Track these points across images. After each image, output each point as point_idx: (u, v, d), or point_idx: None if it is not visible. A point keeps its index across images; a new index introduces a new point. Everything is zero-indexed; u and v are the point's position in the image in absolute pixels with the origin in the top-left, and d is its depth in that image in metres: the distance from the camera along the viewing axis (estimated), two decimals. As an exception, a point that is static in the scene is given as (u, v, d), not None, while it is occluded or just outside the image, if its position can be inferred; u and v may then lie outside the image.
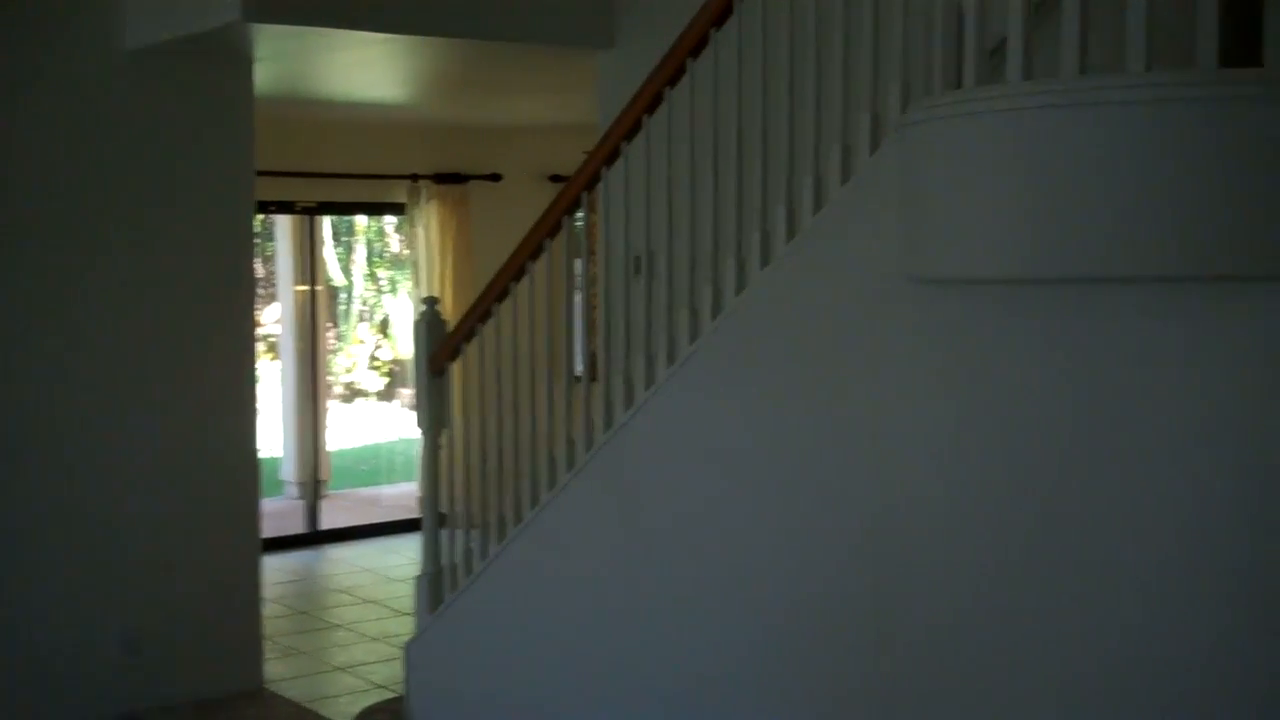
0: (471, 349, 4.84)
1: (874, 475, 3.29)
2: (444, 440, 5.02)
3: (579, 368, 4.81)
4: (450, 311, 8.19)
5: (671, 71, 3.88)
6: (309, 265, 9.41)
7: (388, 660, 6.25)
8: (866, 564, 3.32)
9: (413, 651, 5.04)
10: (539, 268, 4.50)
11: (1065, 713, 2.92)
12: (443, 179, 8.90)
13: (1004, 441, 3.00)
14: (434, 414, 4.93)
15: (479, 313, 4.72)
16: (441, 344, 4.89)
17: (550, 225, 4.39)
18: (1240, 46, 2.70)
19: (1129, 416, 2.78)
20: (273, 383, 9.90)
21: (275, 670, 6.12)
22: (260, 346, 8.18)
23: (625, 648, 4.08)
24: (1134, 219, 2.57)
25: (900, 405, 3.21)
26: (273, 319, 11.18)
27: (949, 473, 3.11)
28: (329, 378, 10.94)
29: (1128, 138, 2.56)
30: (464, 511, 5.00)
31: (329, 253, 14.45)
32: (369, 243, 15.86)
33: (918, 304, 3.14)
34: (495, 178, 9.05)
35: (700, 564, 3.80)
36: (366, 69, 6.24)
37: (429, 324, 4.93)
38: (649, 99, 3.96)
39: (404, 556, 8.41)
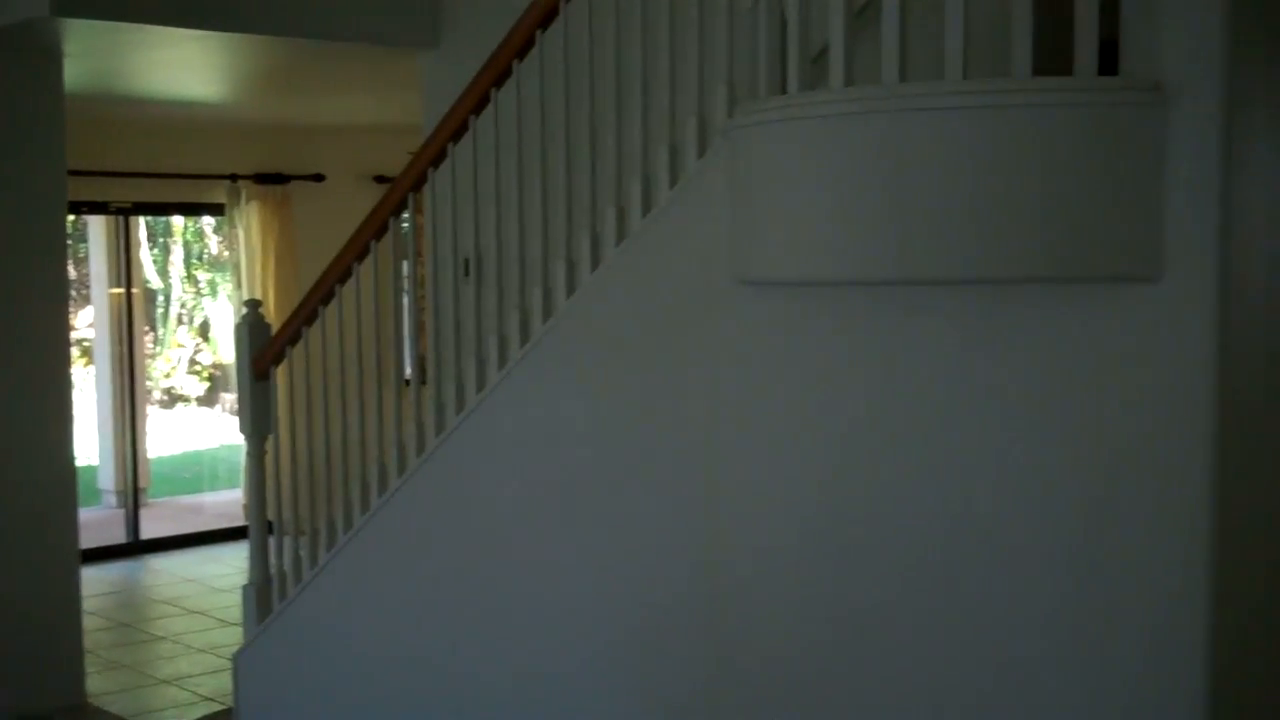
0: (297, 353, 4.75)
1: (708, 477, 3.32)
2: (269, 446, 4.92)
3: (408, 371, 4.76)
4: (274, 315, 8.04)
5: (498, 73, 3.87)
6: (124, 267, 9.15)
7: (215, 672, 6.12)
8: (701, 564, 3.35)
9: (241, 663, 4.93)
10: (365, 270, 4.44)
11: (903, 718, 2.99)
12: (264, 179, 8.73)
13: (834, 441, 3.06)
14: (258, 419, 4.83)
15: (304, 315, 4.64)
16: (265, 348, 4.79)
17: (377, 227, 4.34)
18: (1053, 56, 2.80)
19: (956, 416, 2.86)
20: (88, 389, 9.60)
21: (98, 685, 5.95)
22: (74, 351, 7.92)
23: (458, 657, 4.05)
24: (952, 223, 2.64)
25: (732, 407, 3.25)
26: (86, 323, 10.84)
27: (782, 473, 3.16)
28: (147, 383, 10.64)
29: (945, 144, 2.63)
30: (292, 518, 4.91)
31: (145, 255, 14.07)
32: (187, 244, 15.48)
33: (747, 306, 3.18)
34: (318, 178, 8.91)
35: (533, 573, 3.79)
36: (182, 67, 6.09)
37: (251, 327, 4.82)
38: (475, 100, 3.94)
39: (229, 565, 8.23)
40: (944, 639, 2.90)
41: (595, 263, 3.63)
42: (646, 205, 3.50)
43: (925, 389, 2.89)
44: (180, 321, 15.47)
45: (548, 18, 3.72)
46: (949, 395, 2.86)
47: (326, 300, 4.56)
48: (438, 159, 4.10)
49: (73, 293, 7.08)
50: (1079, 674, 2.72)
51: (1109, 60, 2.61)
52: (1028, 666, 2.79)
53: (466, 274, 4.22)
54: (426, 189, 4.18)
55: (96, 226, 9.28)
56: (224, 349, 14.43)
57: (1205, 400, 2.55)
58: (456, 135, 4.02)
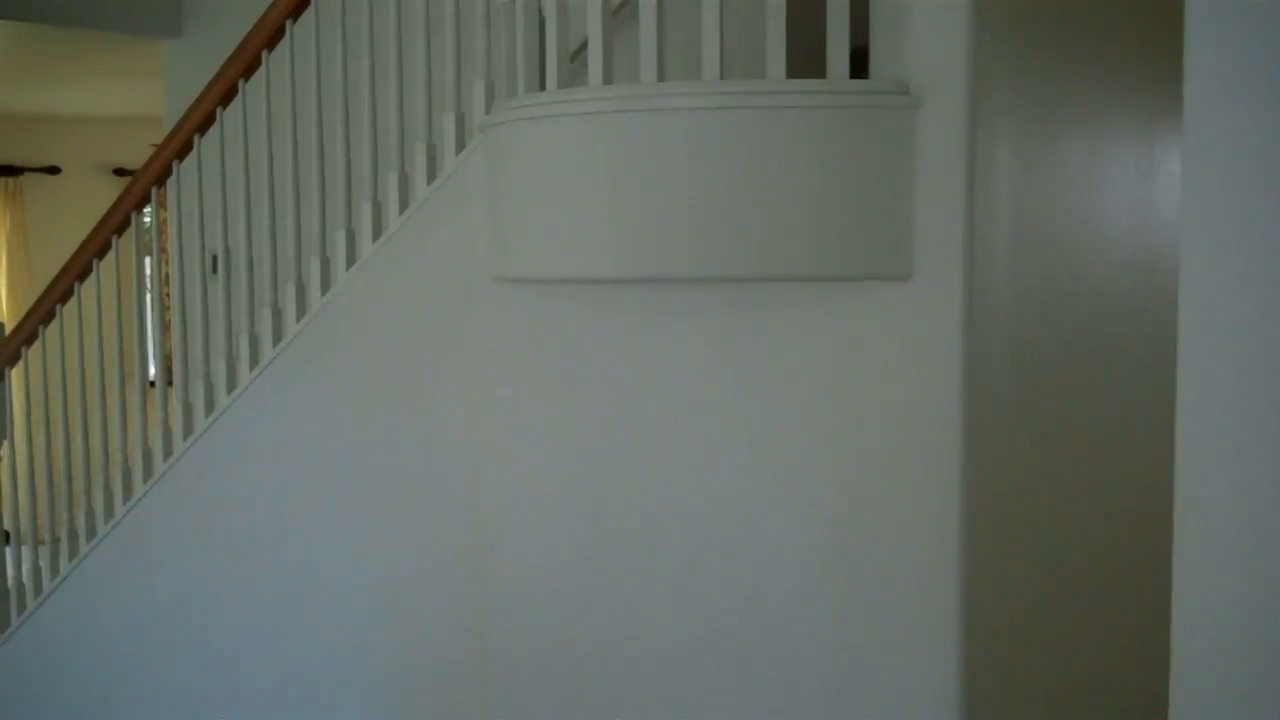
0: (34, 353, 4.52)
1: (468, 477, 3.29)
2: (4, 452, 4.67)
3: (153, 372, 4.58)
4: (6, 313, 7.64)
5: (246, 64, 3.75)
6: None
7: (-56, 692, 5.77)
8: (463, 561, 3.32)
9: (-26, 682, 4.67)
10: (106, 266, 4.25)
11: (668, 708, 3.02)
12: (-7, 170, 8.30)
13: (595, 438, 3.06)
14: (-8, 425, 4.58)
15: (41, 314, 4.41)
16: (-2, 349, 4.55)
17: (118, 221, 4.15)
18: (809, 58, 2.86)
19: (715, 414, 2.89)
20: None
21: None
22: None
23: (211, 665, 3.92)
24: (707, 222, 2.67)
25: (492, 405, 3.22)
26: None
27: (543, 470, 3.15)
28: None
29: (702, 143, 2.66)
30: (31, 527, 4.67)
31: None
32: (-92, 237, 14.57)
33: (506, 304, 3.16)
34: (53, 170, 8.50)
35: (288, 575, 3.70)
36: (-98, 50, 5.73)
37: (-17, 328, 4.57)
38: (222, 91, 3.81)
39: (-41, 577, 7.78)
40: (702, 632, 2.94)
41: (351, 259, 3.56)
42: (404, 202, 3.44)
43: (684, 387, 2.92)
44: (-99, 320, 14.58)
45: (298, 8, 3.62)
46: (707, 393, 2.90)
47: (65, 299, 4.35)
48: (184, 151, 3.95)
49: None
50: (838, 664, 2.79)
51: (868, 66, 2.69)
52: (787, 656, 2.85)
53: (215, 270, 4.08)
54: (171, 183, 4.03)
55: None
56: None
57: (953, 395, 2.65)
58: (203, 127, 3.89)
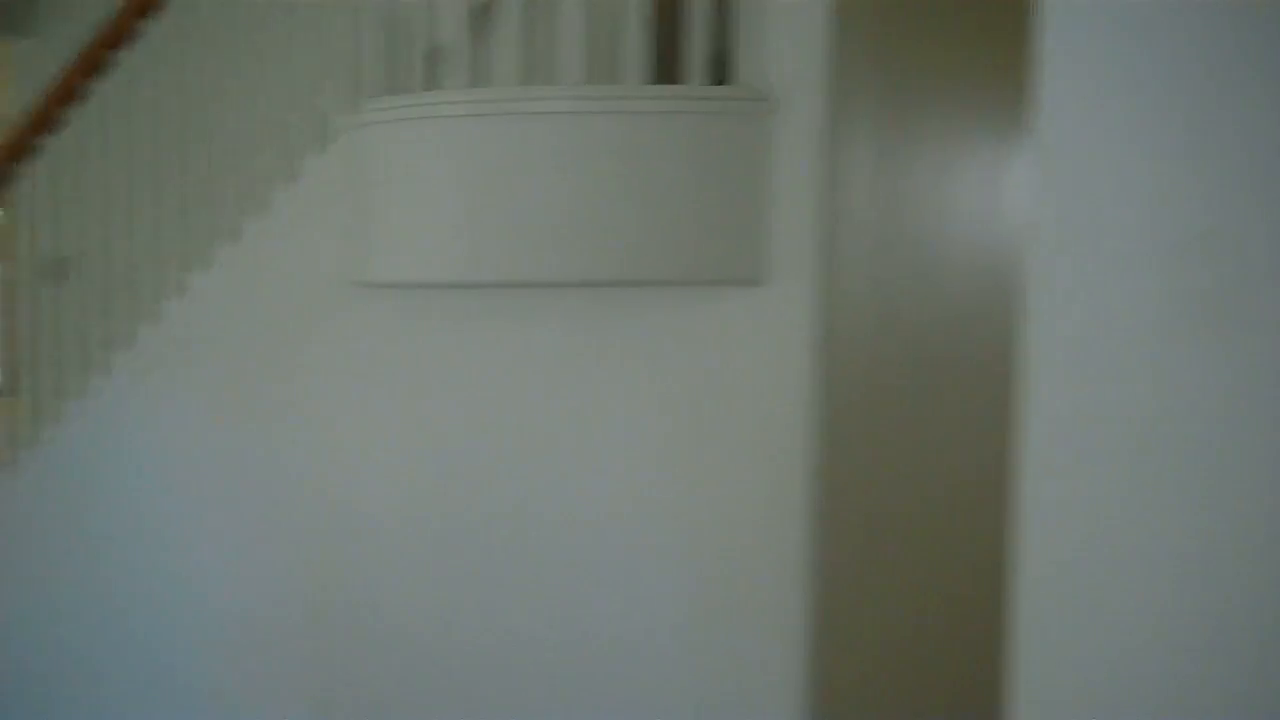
0: None
1: (325, 483, 3.23)
2: None
3: (-1, 380, 4.42)
4: None
5: (94, 63, 3.64)
6: None
7: None
8: (318, 568, 3.26)
9: None
10: (-51, 272, 4.10)
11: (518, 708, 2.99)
12: None
13: (454, 443, 3.03)
14: None
15: (-122, 322, 4.24)
16: None
17: (-39, 225, 4.01)
18: (666, 64, 2.86)
19: (574, 416, 2.88)
20: None
21: None
22: None
23: (66, 668, 3.80)
24: (568, 227, 2.66)
25: (349, 409, 3.17)
26: None
27: (404, 478, 3.10)
28: None
29: (563, 148, 2.65)
30: None
31: None
32: None
33: (367, 309, 3.11)
34: (-105, 170, 8.20)
35: (146, 579, 3.60)
36: None
37: None
38: (68, 91, 3.70)
39: None
40: (563, 631, 2.92)
41: (205, 263, 3.47)
42: (259, 205, 3.37)
43: (544, 390, 2.90)
44: None
45: (148, 7, 3.52)
46: (568, 396, 2.88)
47: (-97, 304, 4.18)
48: (28, 152, 3.82)
49: None
50: (690, 661, 2.79)
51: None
52: (642, 652, 2.84)
53: (64, 276, 3.95)
54: (14, 184, 3.89)
55: None
56: None
57: (807, 397, 2.67)
58: (46, 128, 3.77)
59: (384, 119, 2.83)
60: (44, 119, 3.75)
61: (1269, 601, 1.27)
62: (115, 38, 3.58)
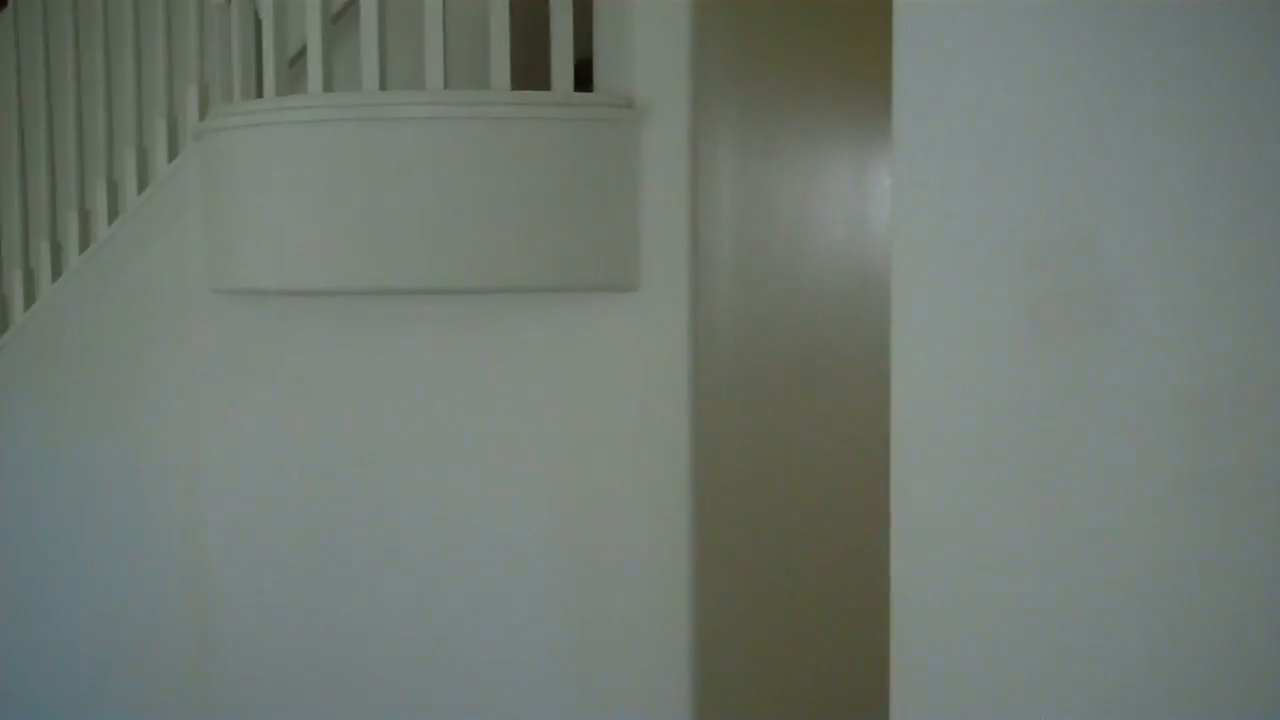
0: None
1: (187, 494, 3.17)
2: None
3: None
4: None
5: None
6: None
7: None
8: (183, 580, 3.20)
9: None
10: None
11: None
12: None
13: (320, 453, 2.99)
14: None
15: None
16: None
17: None
18: (533, 70, 2.86)
19: (447, 425, 2.86)
20: None
21: None
22: None
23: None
24: (434, 233, 2.64)
25: (211, 420, 3.11)
26: None
27: (268, 487, 3.06)
28: None
29: (427, 154, 2.63)
30: None
31: None
32: None
33: (227, 316, 3.05)
34: None
35: (12, 585, 3.50)
36: None
37: None
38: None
39: None
40: (436, 642, 2.90)
41: (56, 272, 3.38)
42: (113, 210, 3.29)
43: (415, 399, 2.88)
44: None
45: (-4, 6, 3.43)
46: (439, 405, 2.87)
47: None
48: None
49: None
50: (572, 668, 2.79)
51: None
52: (522, 661, 2.84)
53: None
54: None
55: None
56: None
57: (681, 402, 2.69)
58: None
59: (242, 123, 2.78)
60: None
61: (1126, 592, 1.32)
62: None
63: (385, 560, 2.94)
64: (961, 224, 1.38)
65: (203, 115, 3.09)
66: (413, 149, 2.63)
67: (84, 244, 3.33)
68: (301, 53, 2.81)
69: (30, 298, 3.43)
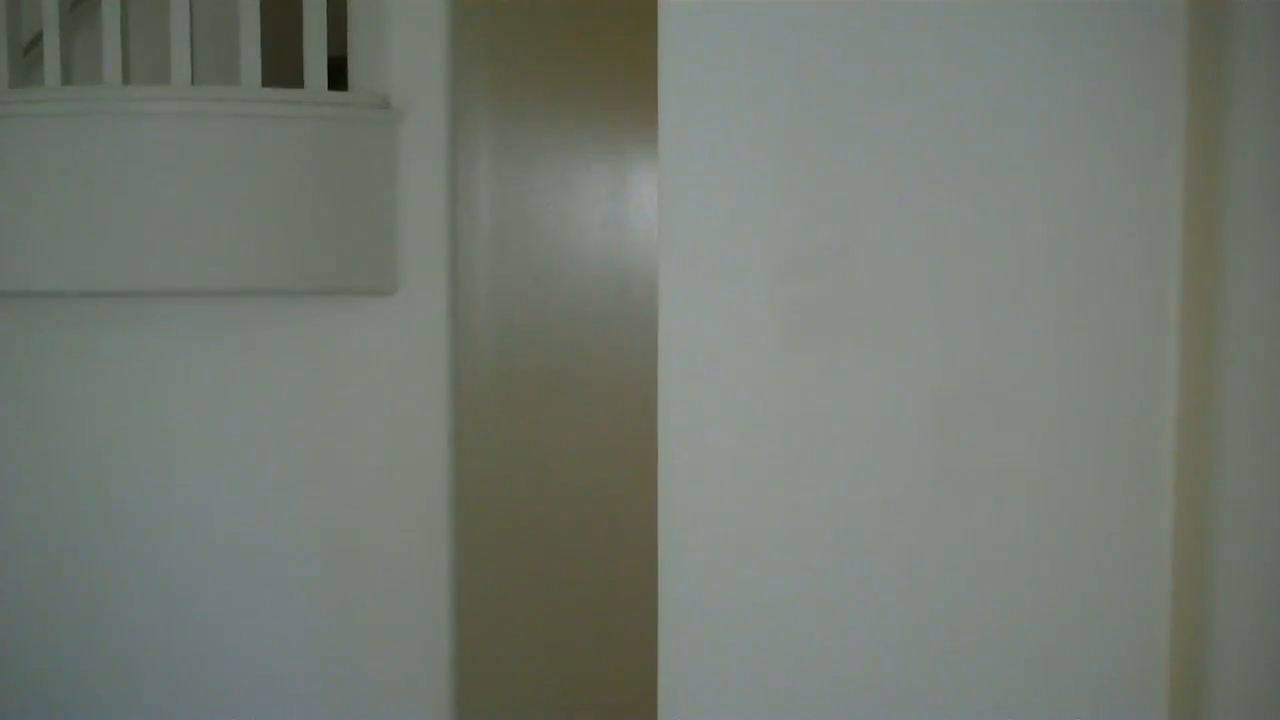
0: None
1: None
2: None
3: None
4: None
5: None
6: None
7: None
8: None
9: None
10: None
11: None
12: None
13: (70, 460, 2.86)
14: None
15: None
16: None
17: None
18: (285, 67, 2.79)
19: (198, 430, 2.77)
20: None
21: None
22: None
23: None
24: (182, 234, 2.56)
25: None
26: None
27: (18, 497, 2.91)
28: None
29: (172, 152, 2.54)
30: None
31: None
32: None
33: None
34: None
35: None
36: None
37: None
38: None
39: None
40: (192, 648, 2.81)
41: None
42: None
43: (165, 403, 2.78)
44: None
45: None
46: (190, 410, 2.77)
47: None
48: None
49: None
50: (331, 673, 2.75)
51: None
52: (280, 669, 2.78)
53: None
54: None
55: None
56: None
57: (441, 406, 2.68)
58: None
59: (-30, 115, 2.64)
60: None
61: (877, 588, 1.37)
62: None
63: (121, 567, 2.82)
64: (725, 233, 1.41)
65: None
66: (158, 146, 2.54)
67: None
68: (36, 40, 2.68)
69: None
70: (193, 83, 2.54)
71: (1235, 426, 1.28)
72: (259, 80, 2.56)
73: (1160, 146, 1.32)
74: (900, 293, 1.36)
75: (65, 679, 2.88)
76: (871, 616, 1.36)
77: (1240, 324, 1.28)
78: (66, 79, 2.60)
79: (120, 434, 2.82)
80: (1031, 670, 1.35)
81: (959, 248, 1.35)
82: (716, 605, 1.40)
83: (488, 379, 2.87)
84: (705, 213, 1.42)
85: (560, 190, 3.08)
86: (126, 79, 2.56)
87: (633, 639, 2.22)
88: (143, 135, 2.54)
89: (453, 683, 2.72)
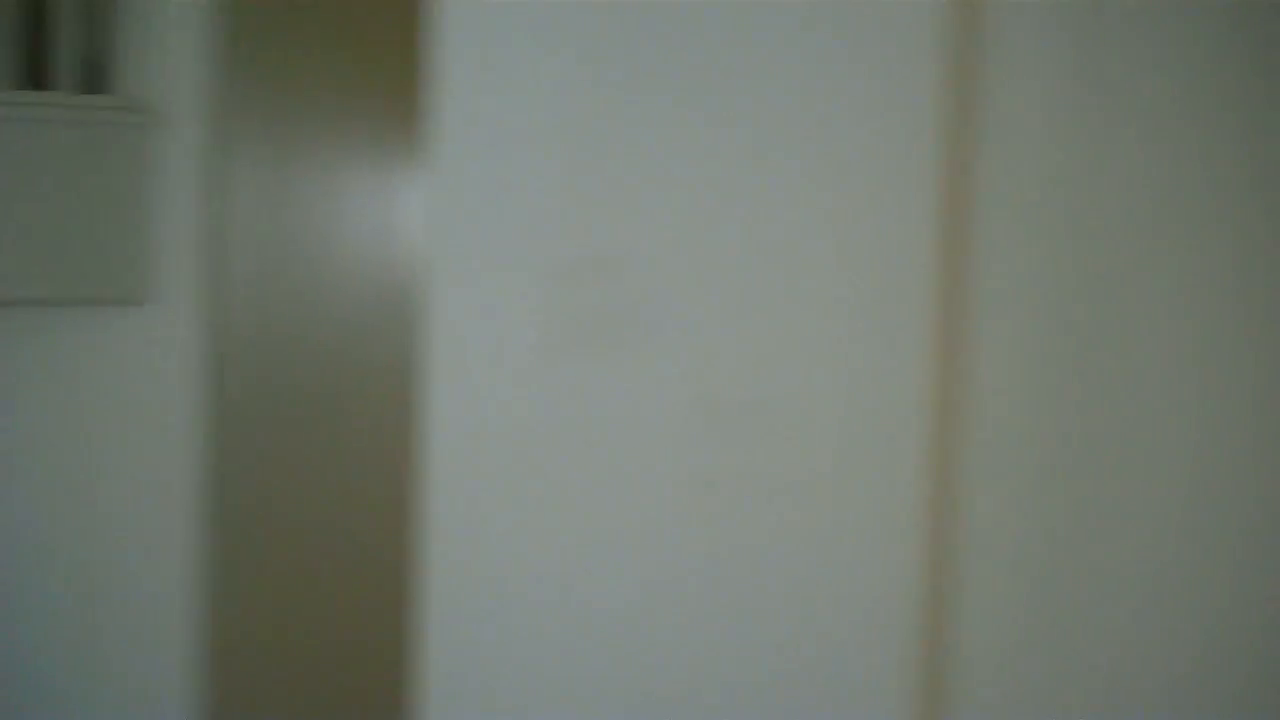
0: None
1: None
2: None
3: None
4: None
5: None
6: None
7: None
8: None
9: None
10: None
11: None
12: None
13: None
14: None
15: None
16: None
17: None
18: (35, 68, 2.70)
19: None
20: None
21: None
22: None
23: None
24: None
25: None
26: None
27: None
28: None
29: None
30: None
31: None
32: None
33: None
34: None
35: None
36: None
37: None
38: None
39: None
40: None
41: None
42: None
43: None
44: None
45: None
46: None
47: None
48: None
49: None
50: (79, 669, 2.66)
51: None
52: (30, 670, 2.67)
53: None
54: None
55: None
56: None
57: (193, 421, 2.62)
58: None
59: None
60: None
61: (636, 596, 1.38)
62: None
63: None
64: (495, 239, 1.41)
65: None
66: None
67: None
68: None
69: None
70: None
71: (983, 429, 1.34)
72: (9, 83, 2.47)
73: (915, 158, 1.37)
74: (669, 300, 1.38)
75: None
76: (635, 620, 1.38)
77: (991, 330, 1.34)
78: None
79: None
80: (790, 666, 1.39)
81: (726, 256, 1.37)
82: (483, 617, 1.40)
83: (249, 387, 2.81)
84: (475, 219, 1.42)
85: (327, 196, 3.04)
86: None
87: (394, 653, 2.20)
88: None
89: (207, 681, 2.67)
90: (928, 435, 1.38)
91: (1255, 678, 1.35)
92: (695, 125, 1.36)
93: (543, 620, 1.39)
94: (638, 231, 1.37)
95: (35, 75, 2.65)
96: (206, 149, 2.57)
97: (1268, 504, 1.35)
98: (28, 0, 2.62)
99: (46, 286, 2.52)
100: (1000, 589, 1.32)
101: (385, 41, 3.07)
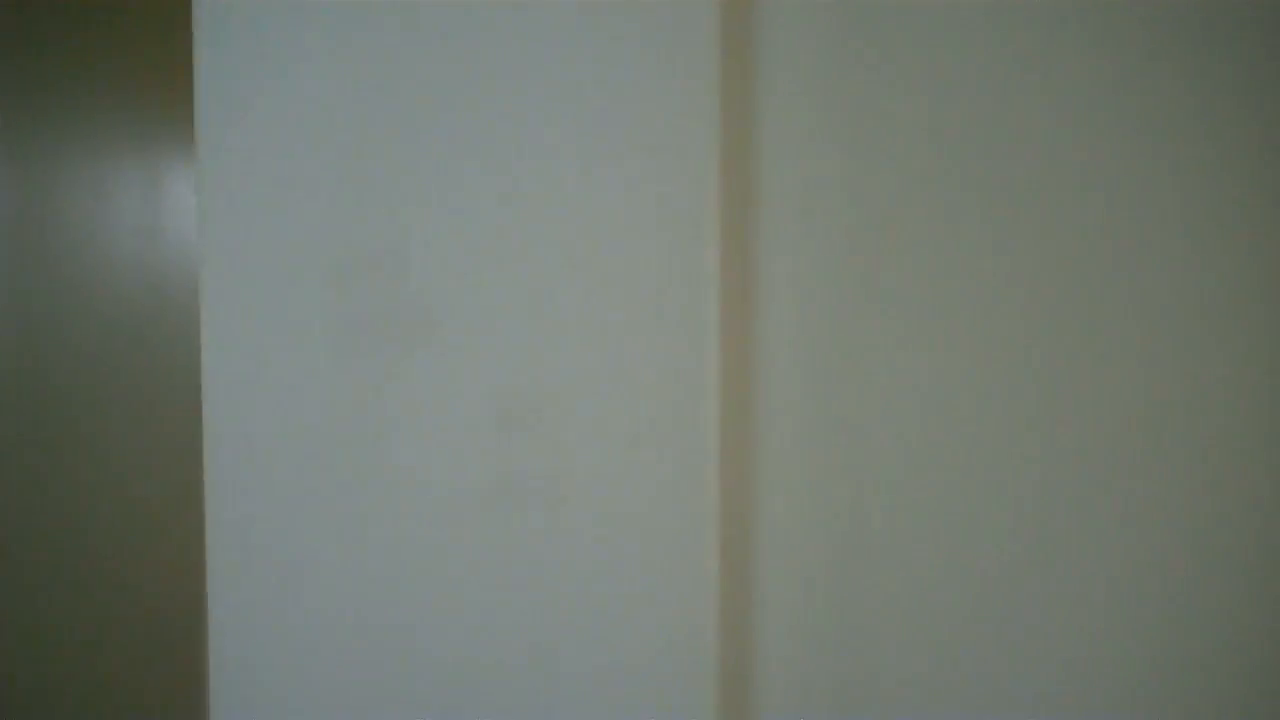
0: None
1: None
2: None
3: None
4: None
5: None
6: None
7: None
8: None
9: None
10: None
11: None
12: None
13: None
14: None
15: None
16: None
17: None
18: None
19: None
20: None
21: None
22: None
23: None
24: None
25: None
26: None
27: None
28: None
29: None
30: None
31: None
32: None
33: None
34: None
35: None
36: None
37: None
38: None
39: None
40: None
41: None
42: None
43: None
44: None
45: None
46: None
47: None
48: None
49: None
50: None
51: None
52: None
53: None
54: None
55: None
56: None
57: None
58: None
59: None
60: None
61: (429, 598, 1.37)
62: None
63: None
64: (272, 237, 1.38)
65: None
66: None
67: None
68: None
69: None
70: None
71: (772, 424, 1.37)
72: None
73: (695, 151, 1.39)
74: (459, 298, 1.37)
75: None
76: (426, 627, 1.37)
77: (774, 325, 1.36)
78: None
79: None
80: (586, 670, 1.39)
81: (511, 253, 1.37)
82: (270, 621, 1.37)
83: (7, 392, 2.70)
84: (250, 216, 1.38)
85: (88, 193, 2.93)
86: None
87: (185, 648, 2.14)
88: None
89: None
90: (720, 431, 1.41)
91: (1084, 677, 1.41)
92: (477, 120, 1.35)
93: (332, 627, 1.37)
94: (420, 228, 1.36)
95: None
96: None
97: (1041, 493, 1.41)
98: None
99: None
100: (801, 587, 1.35)
101: (151, 30, 2.98)
